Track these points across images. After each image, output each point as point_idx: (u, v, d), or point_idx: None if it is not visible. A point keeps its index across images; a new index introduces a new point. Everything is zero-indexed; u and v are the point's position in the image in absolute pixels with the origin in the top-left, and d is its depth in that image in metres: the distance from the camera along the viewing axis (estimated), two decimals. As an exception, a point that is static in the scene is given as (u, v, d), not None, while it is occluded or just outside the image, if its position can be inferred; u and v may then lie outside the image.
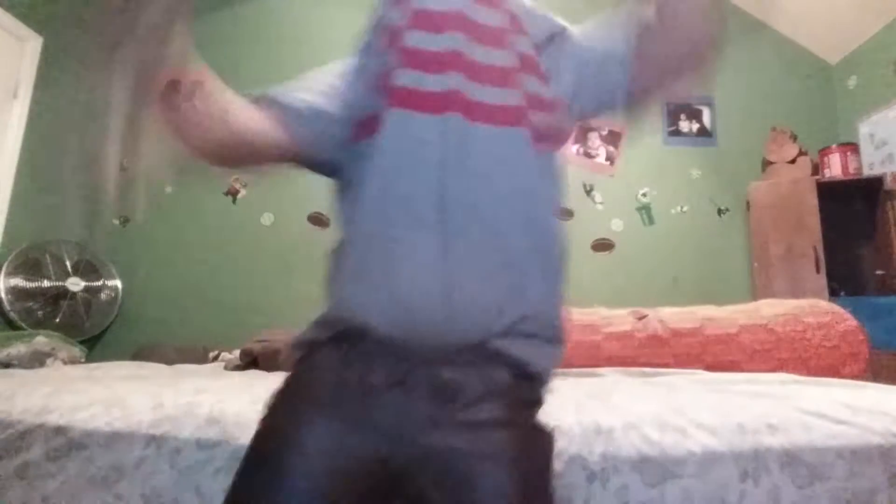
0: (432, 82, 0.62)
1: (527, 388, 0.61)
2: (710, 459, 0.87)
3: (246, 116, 0.63)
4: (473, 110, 0.61)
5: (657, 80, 0.67)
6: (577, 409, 0.99)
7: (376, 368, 0.57)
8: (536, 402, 0.63)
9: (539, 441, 0.60)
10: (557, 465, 0.87)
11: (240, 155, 0.65)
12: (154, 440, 0.94)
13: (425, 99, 0.62)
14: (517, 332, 0.59)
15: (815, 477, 0.87)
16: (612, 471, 0.87)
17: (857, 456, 0.88)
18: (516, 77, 0.65)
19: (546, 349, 0.62)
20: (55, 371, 1.73)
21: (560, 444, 0.89)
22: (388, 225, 0.59)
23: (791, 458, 0.87)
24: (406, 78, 0.63)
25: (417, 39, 0.65)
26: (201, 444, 0.92)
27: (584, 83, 0.68)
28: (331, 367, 0.59)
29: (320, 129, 0.66)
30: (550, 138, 0.66)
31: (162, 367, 2.01)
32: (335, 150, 0.67)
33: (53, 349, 2.17)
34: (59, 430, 0.97)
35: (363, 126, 0.65)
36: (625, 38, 0.66)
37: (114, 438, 0.95)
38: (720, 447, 0.88)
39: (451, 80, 0.62)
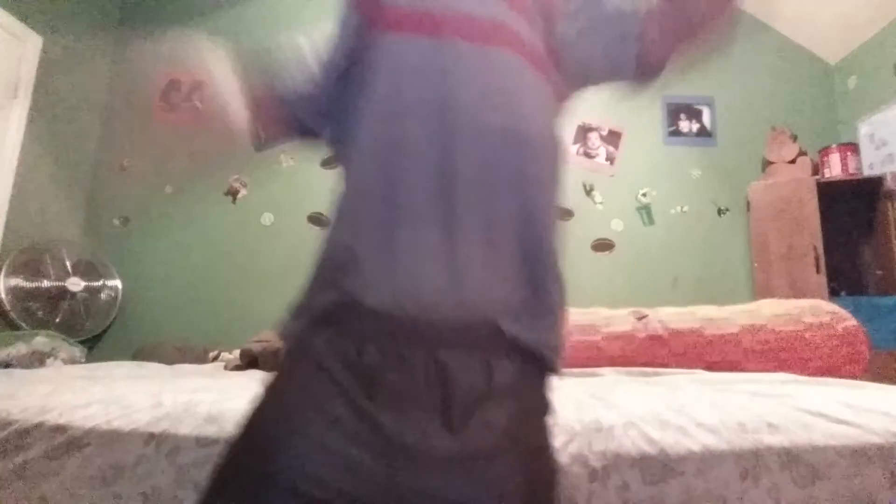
0: None
1: (530, 388, 0.55)
2: (710, 458, 0.87)
3: (242, 115, 0.61)
4: (473, 33, 0.55)
5: (671, 42, 0.61)
6: (577, 407, 0.99)
7: (370, 352, 0.49)
8: (543, 410, 0.57)
9: (541, 471, 0.54)
10: (561, 459, 0.87)
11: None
12: (153, 438, 0.94)
13: (420, 18, 0.56)
14: (525, 310, 0.53)
15: (815, 476, 0.86)
16: (612, 469, 0.86)
17: (858, 455, 0.88)
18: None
19: (553, 327, 0.56)
20: (55, 371, 1.73)
21: (561, 441, 0.89)
22: (385, 184, 0.52)
23: (791, 458, 0.87)
24: None
25: None
26: (200, 442, 0.92)
27: (589, 34, 0.61)
28: (320, 363, 0.51)
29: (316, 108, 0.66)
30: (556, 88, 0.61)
31: (162, 366, 2.00)
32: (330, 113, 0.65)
33: (53, 349, 2.17)
34: (59, 429, 0.97)
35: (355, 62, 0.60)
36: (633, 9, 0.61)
37: (113, 437, 0.95)
38: (720, 446, 0.88)
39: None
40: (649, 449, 0.88)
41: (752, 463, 0.87)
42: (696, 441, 0.89)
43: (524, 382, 0.53)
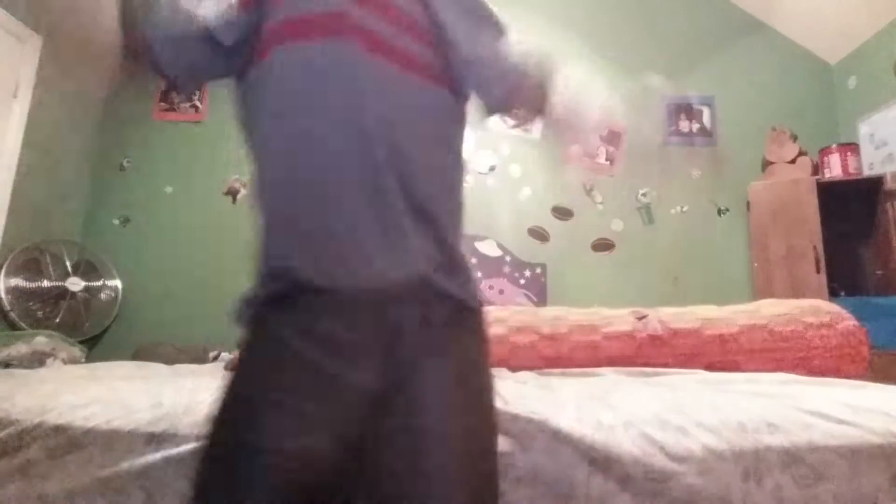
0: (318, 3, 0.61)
1: (466, 327, 0.64)
2: (710, 458, 0.87)
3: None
4: (367, 39, 0.60)
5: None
6: (577, 407, 0.99)
7: (324, 321, 0.56)
8: (478, 330, 0.66)
9: (482, 379, 0.64)
10: (562, 458, 0.87)
11: None
12: (153, 438, 0.94)
13: (312, 24, 0.60)
14: (449, 266, 0.62)
15: (817, 477, 0.86)
16: (612, 468, 0.86)
17: (858, 456, 0.88)
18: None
19: (473, 282, 0.66)
20: (55, 371, 1.73)
21: (561, 441, 0.89)
22: (304, 171, 0.59)
23: (792, 458, 0.87)
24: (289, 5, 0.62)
25: None
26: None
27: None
28: (277, 337, 0.57)
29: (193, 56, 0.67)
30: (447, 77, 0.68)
31: (161, 366, 2.00)
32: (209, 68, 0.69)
33: (53, 349, 2.17)
34: (59, 429, 0.97)
35: (254, 53, 0.64)
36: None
37: (113, 437, 0.95)
38: (721, 446, 0.88)
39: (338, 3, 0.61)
40: (649, 449, 0.88)
41: (752, 463, 0.87)
42: (697, 441, 0.89)
43: (460, 321, 0.63)
